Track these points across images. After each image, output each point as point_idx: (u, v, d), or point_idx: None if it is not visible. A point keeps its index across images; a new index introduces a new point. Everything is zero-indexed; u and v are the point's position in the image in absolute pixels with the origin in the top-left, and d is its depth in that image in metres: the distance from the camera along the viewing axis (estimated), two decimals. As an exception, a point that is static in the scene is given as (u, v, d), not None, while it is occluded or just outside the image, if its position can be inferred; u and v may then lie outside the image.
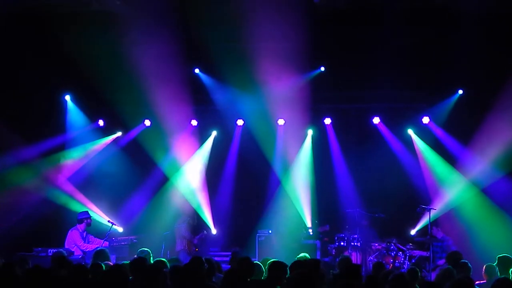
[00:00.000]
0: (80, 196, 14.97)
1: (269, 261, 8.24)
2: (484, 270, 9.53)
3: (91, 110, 15.66)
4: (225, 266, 10.57)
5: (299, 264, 7.94)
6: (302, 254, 10.22)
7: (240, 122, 15.67)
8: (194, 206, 15.06)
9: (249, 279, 7.60)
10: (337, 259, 10.83)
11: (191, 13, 13.51)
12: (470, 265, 9.23)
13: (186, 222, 14.49)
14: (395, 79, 14.00)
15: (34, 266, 8.07)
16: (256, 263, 8.68)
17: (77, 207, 14.49)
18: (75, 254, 12.60)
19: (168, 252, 14.16)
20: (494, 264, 9.60)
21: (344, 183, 15.07)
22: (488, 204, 13.99)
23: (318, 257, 13.73)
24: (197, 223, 14.68)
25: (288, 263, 7.91)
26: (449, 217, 14.12)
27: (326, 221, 14.68)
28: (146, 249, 10.01)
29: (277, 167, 15.40)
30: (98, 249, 10.24)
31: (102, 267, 8.62)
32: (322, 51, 13.93)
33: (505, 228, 13.59)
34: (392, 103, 15.01)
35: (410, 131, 15.14)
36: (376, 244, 13.86)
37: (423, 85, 14.59)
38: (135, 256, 9.73)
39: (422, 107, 15.01)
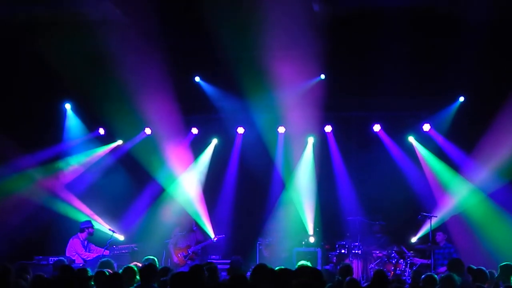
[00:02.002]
0: (81, 205, 14.97)
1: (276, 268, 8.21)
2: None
3: (91, 118, 15.67)
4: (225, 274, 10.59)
5: (303, 271, 7.93)
6: (302, 262, 10.18)
7: (240, 130, 15.69)
8: (194, 214, 15.00)
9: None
10: (338, 267, 10.81)
11: (191, 21, 13.56)
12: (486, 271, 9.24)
13: (183, 233, 14.35)
14: (396, 87, 14.02)
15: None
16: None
17: (77, 216, 14.49)
18: (76, 262, 12.58)
19: (169, 260, 14.14)
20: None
21: (345, 191, 15.07)
22: (492, 210, 13.99)
23: (319, 265, 13.72)
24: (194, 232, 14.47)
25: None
26: (451, 224, 14.11)
27: (328, 228, 14.69)
28: (151, 257, 10.00)
29: (278, 174, 15.41)
30: (103, 260, 10.20)
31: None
32: (322, 58, 13.92)
33: (509, 233, 13.58)
34: (393, 111, 15.03)
35: (411, 139, 15.15)
36: (377, 252, 13.85)
37: (424, 92, 14.59)
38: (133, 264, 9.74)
39: (423, 114, 15.02)
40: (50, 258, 12.31)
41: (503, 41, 13.53)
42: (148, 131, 15.60)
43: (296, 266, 9.75)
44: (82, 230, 13.21)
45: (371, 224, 14.29)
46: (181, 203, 15.41)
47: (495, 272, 9.53)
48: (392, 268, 13.40)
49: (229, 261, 12.86)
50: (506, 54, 13.59)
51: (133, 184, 15.40)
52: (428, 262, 13.18)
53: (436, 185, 14.76)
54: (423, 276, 8.69)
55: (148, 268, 8.42)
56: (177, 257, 13.87)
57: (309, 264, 9.95)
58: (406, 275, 13.11)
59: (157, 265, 9.71)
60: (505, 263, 9.70)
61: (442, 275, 8.75)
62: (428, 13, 13.41)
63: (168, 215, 15.11)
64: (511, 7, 13.03)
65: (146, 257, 9.93)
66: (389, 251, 13.58)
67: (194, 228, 14.51)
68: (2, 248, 13.78)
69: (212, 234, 14.98)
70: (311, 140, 15.55)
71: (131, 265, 9.25)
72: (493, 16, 13.02)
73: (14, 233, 14.25)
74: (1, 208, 14.33)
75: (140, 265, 9.30)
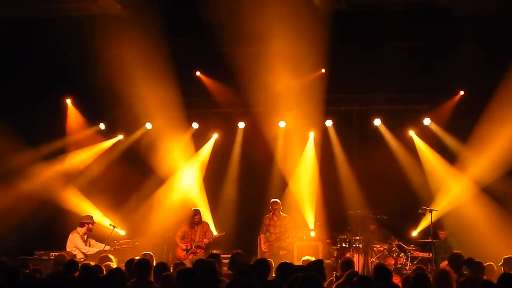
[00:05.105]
0: (82, 199, 14.99)
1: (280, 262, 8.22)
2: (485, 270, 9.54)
3: (92, 113, 15.69)
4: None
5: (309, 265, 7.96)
6: (306, 257, 10.21)
7: (241, 125, 15.69)
8: (196, 207, 14.97)
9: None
10: (339, 261, 10.82)
11: (192, 15, 13.56)
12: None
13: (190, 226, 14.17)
14: (396, 80, 14.06)
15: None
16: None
17: (79, 210, 14.50)
18: (76, 257, 12.57)
19: (170, 254, 14.14)
20: (499, 264, 9.62)
21: (346, 185, 15.08)
22: (490, 203, 14.00)
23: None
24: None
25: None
26: (451, 218, 14.11)
27: (329, 222, 14.70)
28: (148, 252, 10.02)
29: (279, 169, 15.41)
30: (103, 255, 10.22)
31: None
32: (323, 53, 13.91)
33: (507, 227, 13.60)
34: (393, 105, 15.04)
35: (411, 132, 15.16)
36: (378, 246, 13.85)
37: (424, 86, 14.62)
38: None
39: (424, 108, 15.04)
40: (51, 253, 12.30)
41: (504, 34, 13.52)
42: (148, 125, 15.60)
43: (301, 261, 9.82)
44: (82, 225, 13.21)
45: (367, 222, 14.30)
46: (182, 198, 15.43)
47: (491, 264, 9.57)
48: (393, 261, 13.40)
49: (230, 255, 12.81)
50: (506, 47, 13.58)
51: (134, 179, 15.39)
52: (429, 256, 13.18)
53: (435, 179, 14.77)
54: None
55: (143, 264, 8.39)
56: (180, 251, 13.83)
57: (311, 259, 9.95)
58: (407, 268, 13.12)
59: (154, 261, 9.71)
60: (509, 256, 9.77)
61: (437, 271, 8.77)
62: (428, 7, 13.41)
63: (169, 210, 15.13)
64: (509, 1, 13.04)
65: (144, 253, 9.97)
66: (390, 245, 13.59)
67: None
68: (6, 243, 13.79)
69: (214, 228, 14.98)
70: (312, 134, 15.55)
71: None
72: (492, 10, 13.01)
73: (17, 228, 14.25)
74: (4, 203, 14.34)
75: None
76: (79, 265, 9.23)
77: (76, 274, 8.78)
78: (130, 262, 9.05)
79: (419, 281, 7.37)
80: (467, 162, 14.44)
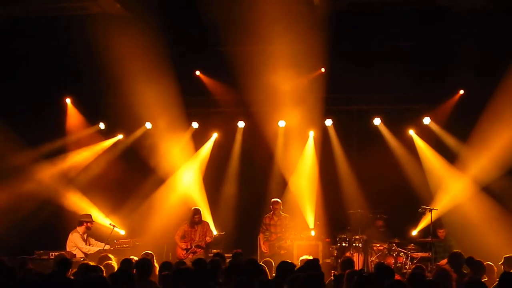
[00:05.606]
0: (82, 199, 15.00)
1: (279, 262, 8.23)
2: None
3: (92, 113, 15.70)
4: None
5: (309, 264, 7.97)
6: (304, 257, 10.21)
7: (241, 124, 15.69)
8: (196, 207, 14.98)
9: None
10: (339, 260, 10.82)
11: (192, 15, 13.56)
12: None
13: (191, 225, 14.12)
14: (396, 80, 14.04)
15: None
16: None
17: (79, 210, 14.50)
18: (76, 256, 12.59)
19: (170, 254, 14.14)
20: (500, 263, 9.63)
21: (346, 184, 15.09)
22: (489, 203, 14.01)
23: (321, 259, 13.70)
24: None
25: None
26: (451, 217, 14.12)
27: (329, 222, 14.70)
28: (149, 252, 10.03)
29: (278, 168, 15.41)
30: (103, 254, 10.24)
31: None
32: (323, 52, 13.91)
33: (506, 226, 13.61)
34: (393, 104, 15.05)
35: (411, 132, 15.17)
36: (378, 245, 13.87)
37: (424, 85, 14.62)
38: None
39: (423, 107, 15.04)
40: (51, 253, 12.32)
41: (503, 34, 13.52)
42: (148, 125, 15.60)
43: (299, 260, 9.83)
44: (80, 224, 13.22)
45: (373, 218, 14.33)
46: (182, 198, 15.43)
47: (490, 263, 9.58)
48: (393, 261, 13.41)
49: (229, 254, 12.82)
50: (506, 47, 13.58)
51: (134, 178, 15.39)
52: (429, 255, 13.19)
53: (435, 178, 14.77)
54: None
55: (144, 263, 8.40)
56: (180, 250, 13.82)
57: (310, 258, 9.96)
58: (407, 268, 13.13)
59: (155, 260, 9.72)
60: (509, 255, 9.77)
61: (437, 269, 8.77)
62: (428, 6, 13.41)
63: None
64: (509, 0, 13.04)
65: (145, 252, 9.98)
66: (390, 244, 13.60)
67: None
68: (6, 242, 13.80)
69: (214, 228, 14.99)
70: (311, 133, 15.55)
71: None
72: (492, 9, 13.02)
73: (17, 228, 14.26)
74: (4, 202, 14.35)
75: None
76: (72, 263, 9.22)
77: (69, 274, 8.78)
78: (126, 262, 9.05)
79: (415, 279, 7.39)
80: (466, 161, 14.44)
